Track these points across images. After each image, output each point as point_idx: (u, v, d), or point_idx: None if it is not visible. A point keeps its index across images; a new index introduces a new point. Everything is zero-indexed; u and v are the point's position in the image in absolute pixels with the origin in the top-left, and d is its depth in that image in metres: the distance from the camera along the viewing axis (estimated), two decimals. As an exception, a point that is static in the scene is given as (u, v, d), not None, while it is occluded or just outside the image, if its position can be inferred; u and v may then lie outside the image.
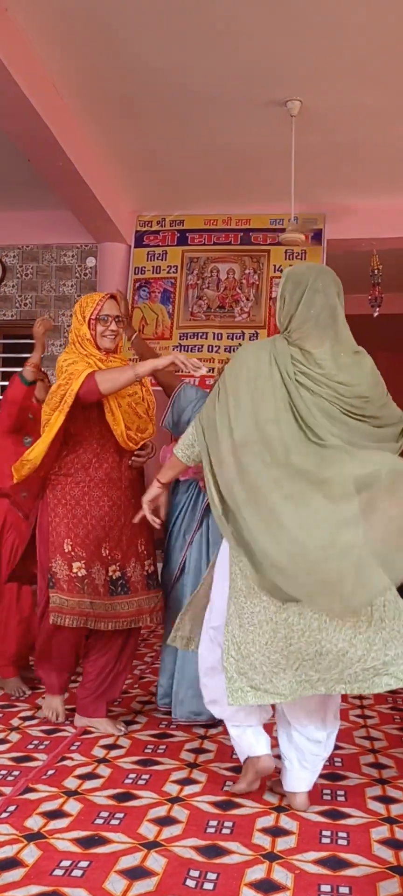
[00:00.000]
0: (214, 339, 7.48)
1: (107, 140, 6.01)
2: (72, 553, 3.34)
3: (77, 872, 2.20)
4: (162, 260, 7.53)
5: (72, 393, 3.25)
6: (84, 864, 2.25)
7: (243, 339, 7.45)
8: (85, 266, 7.82)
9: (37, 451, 3.34)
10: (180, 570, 3.61)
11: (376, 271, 7.33)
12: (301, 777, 2.67)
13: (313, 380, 2.59)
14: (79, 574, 3.32)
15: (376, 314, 7.41)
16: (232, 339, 7.51)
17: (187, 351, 7.41)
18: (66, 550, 3.34)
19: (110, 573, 3.38)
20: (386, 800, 2.74)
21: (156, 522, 2.97)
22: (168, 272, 7.53)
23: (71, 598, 3.28)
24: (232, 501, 2.58)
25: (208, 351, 7.52)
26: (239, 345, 7.42)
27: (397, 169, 6.44)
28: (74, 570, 3.32)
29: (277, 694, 2.55)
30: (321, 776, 2.85)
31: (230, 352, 7.47)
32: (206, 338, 7.53)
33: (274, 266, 7.43)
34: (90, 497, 3.40)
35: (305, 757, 2.66)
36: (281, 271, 7.42)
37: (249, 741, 2.71)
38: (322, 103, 5.37)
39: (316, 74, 5.03)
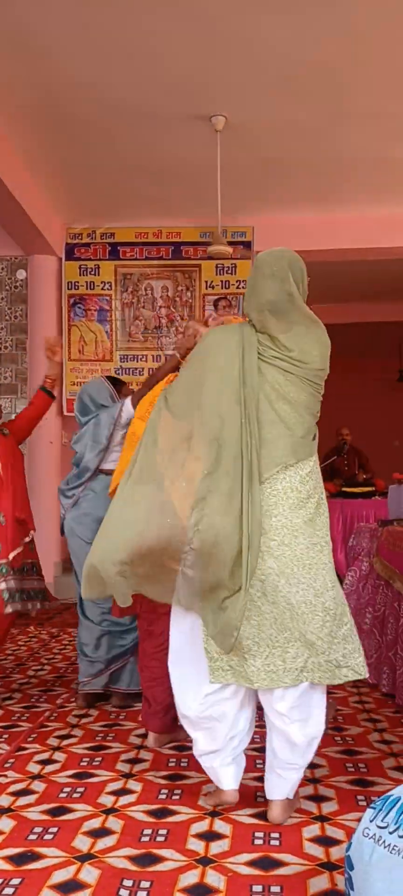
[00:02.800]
0: (154, 361, 7.54)
1: (34, 152, 5.99)
2: None
3: (8, 891, 2.17)
4: (94, 275, 7.52)
5: None
6: (16, 881, 2.22)
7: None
8: (15, 279, 7.74)
9: None
10: None
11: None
12: (275, 785, 2.61)
13: (285, 360, 2.62)
14: None
15: (307, 325, 7.55)
16: (171, 361, 7.56)
17: (128, 374, 7.45)
18: None
19: None
20: (318, 798, 2.80)
21: None
22: (102, 288, 7.53)
23: None
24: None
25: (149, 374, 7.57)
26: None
27: (322, 183, 6.61)
28: None
29: (246, 678, 2.55)
30: (254, 779, 2.90)
31: (169, 375, 7.52)
32: (146, 360, 7.57)
33: (206, 282, 7.51)
34: None
35: (279, 763, 2.60)
36: (213, 287, 7.51)
37: (215, 774, 2.69)
38: (246, 119, 5.48)
39: (239, 90, 5.13)
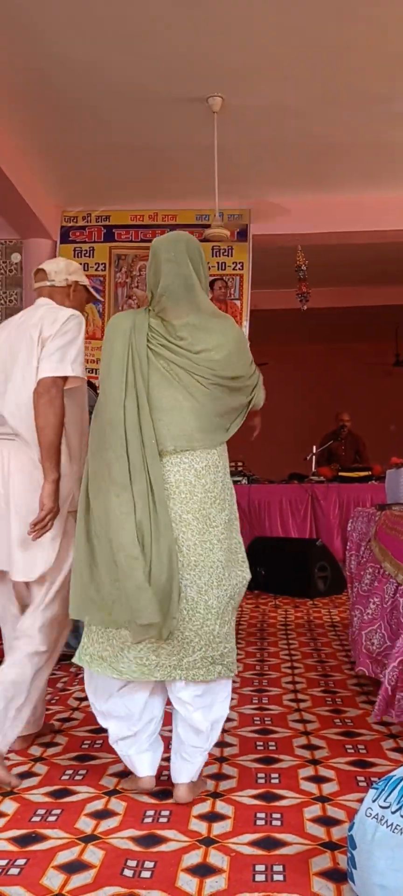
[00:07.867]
0: None
1: (29, 135, 5.96)
2: None
3: (14, 871, 2.19)
4: (89, 257, 7.50)
5: None
6: (21, 861, 2.24)
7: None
8: (10, 262, 7.71)
9: None
10: None
11: (303, 267, 7.48)
12: (181, 768, 2.62)
13: (172, 350, 2.58)
14: None
15: (304, 308, 7.56)
16: (162, 339, 7.56)
17: None
18: None
19: None
20: (319, 779, 2.82)
21: None
22: (96, 269, 7.51)
23: None
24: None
25: None
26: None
27: (319, 165, 6.60)
28: None
29: (117, 671, 2.57)
30: (255, 760, 2.93)
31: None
32: (137, 338, 7.54)
33: (202, 264, 7.48)
34: None
35: (185, 748, 2.61)
36: (209, 269, 7.49)
37: (131, 762, 2.69)
38: (243, 100, 5.46)
39: (236, 72, 5.11)
